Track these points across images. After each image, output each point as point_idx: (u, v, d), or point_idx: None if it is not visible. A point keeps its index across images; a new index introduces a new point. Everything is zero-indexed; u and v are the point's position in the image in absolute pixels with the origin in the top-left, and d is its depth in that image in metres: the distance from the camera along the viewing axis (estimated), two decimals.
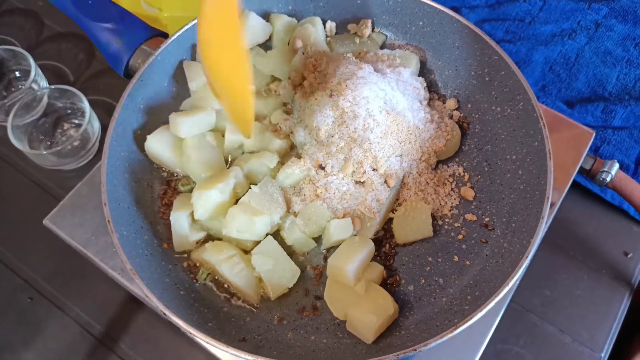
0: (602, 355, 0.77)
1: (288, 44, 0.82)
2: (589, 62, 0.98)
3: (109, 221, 0.61)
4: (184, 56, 0.78)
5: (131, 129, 0.72)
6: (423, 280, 0.68)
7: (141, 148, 0.73)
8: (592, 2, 1.05)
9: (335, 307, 0.66)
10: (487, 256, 0.66)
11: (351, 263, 0.64)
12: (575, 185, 0.86)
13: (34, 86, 0.90)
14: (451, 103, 0.79)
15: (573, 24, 1.02)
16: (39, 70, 0.91)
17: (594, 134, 0.89)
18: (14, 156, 0.91)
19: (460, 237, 0.70)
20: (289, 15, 0.83)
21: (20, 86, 0.93)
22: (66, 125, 0.92)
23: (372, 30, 0.84)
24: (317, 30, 0.81)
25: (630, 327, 0.82)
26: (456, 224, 0.71)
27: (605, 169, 0.75)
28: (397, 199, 0.73)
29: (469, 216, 0.71)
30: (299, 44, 0.79)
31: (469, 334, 0.60)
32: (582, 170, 0.78)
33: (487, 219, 0.70)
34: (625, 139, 0.90)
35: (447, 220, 0.72)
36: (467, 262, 0.67)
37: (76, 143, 0.87)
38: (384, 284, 0.68)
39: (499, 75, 0.72)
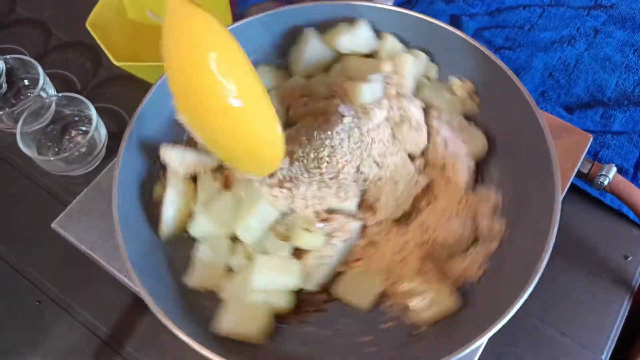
0: (603, 357, 0.78)
1: None
2: (588, 68, 0.99)
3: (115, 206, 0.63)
4: None
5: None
6: None
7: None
8: (591, 9, 1.06)
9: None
10: None
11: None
12: (574, 189, 0.87)
13: (42, 94, 0.92)
14: None
15: (572, 30, 1.04)
16: (47, 79, 0.93)
17: (592, 138, 0.91)
18: (22, 162, 0.93)
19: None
20: None
21: (29, 94, 0.95)
22: (74, 132, 0.94)
23: None
24: None
25: (632, 329, 0.83)
26: None
27: (603, 173, 0.76)
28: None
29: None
30: None
31: None
32: (580, 174, 0.79)
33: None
34: (624, 143, 0.91)
35: None
36: None
37: (83, 149, 0.89)
38: None
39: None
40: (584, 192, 0.88)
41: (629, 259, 0.85)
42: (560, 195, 0.63)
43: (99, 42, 0.90)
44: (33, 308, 0.82)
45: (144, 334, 0.79)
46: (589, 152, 0.90)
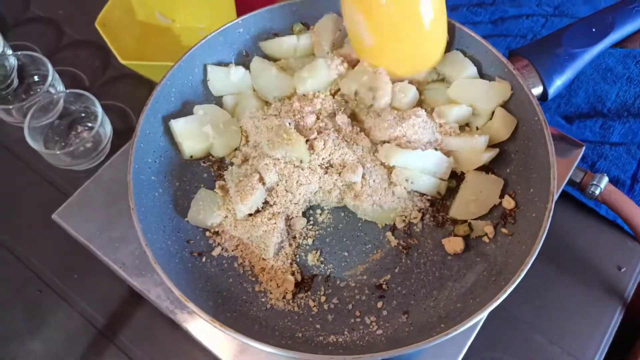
0: None
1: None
2: (589, 79, 0.99)
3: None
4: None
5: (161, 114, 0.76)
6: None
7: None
8: None
9: None
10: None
11: None
12: (570, 198, 0.88)
13: (51, 90, 0.95)
14: None
15: None
16: (57, 75, 0.96)
17: (590, 149, 0.91)
18: (30, 156, 0.95)
19: None
20: None
21: (38, 90, 0.97)
22: (80, 128, 0.96)
23: None
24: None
25: (623, 340, 0.83)
26: None
27: (595, 182, 0.76)
28: None
29: None
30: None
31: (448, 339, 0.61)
32: (572, 183, 0.80)
33: None
34: (622, 154, 0.91)
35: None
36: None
37: (89, 145, 0.91)
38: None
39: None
40: (580, 202, 0.88)
41: (623, 270, 0.85)
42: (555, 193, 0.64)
43: (107, 41, 0.92)
44: (34, 297, 0.85)
45: (138, 326, 0.81)
46: (586, 162, 0.91)
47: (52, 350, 0.81)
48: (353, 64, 0.77)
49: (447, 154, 0.74)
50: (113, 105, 1.01)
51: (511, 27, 1.06)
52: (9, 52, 1.00)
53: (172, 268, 0.63)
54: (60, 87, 0.97)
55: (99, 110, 0.90)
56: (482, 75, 0.77)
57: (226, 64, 0.81)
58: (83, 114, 0.96)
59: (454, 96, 0.75)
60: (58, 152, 0.88)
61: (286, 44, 0.81)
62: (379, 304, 0.67)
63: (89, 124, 0.96)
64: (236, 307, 0.66)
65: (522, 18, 1.06)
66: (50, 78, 0.93)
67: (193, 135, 0.75)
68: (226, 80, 0.80)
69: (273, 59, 0.83)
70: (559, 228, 0.88)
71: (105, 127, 0.92)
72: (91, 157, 0.92)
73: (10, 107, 0.93)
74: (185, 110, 0.79)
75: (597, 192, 0.76)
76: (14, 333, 0.82)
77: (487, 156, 0.73)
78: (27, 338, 0.82)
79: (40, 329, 0.82)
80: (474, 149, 0.73)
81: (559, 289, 0.84)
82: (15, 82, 0.99)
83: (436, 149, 0.73)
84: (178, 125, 0.75)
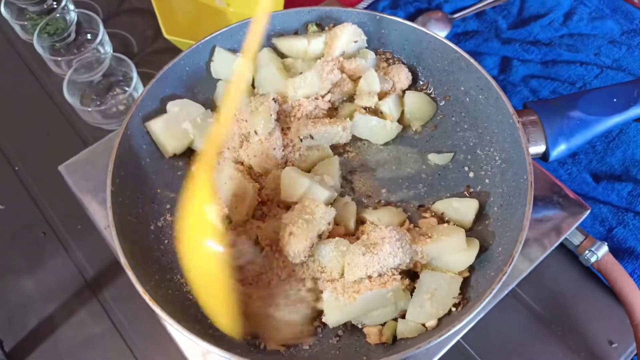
0: None
1: None
2: (630, 140, 0.94)
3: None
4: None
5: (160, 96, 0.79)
6: None
7: None
8: None
9: None
10: None
11: None
12: (577, 260, 0.83)
13: (100, 49, 1.00)
14: None
15: None
16: (107, 37, 1.01)
17: (612, 213, 0.87)
18: (68, 108, 1.00)
19: None
20: None
21: (89, 47, 1.03)
22: (118, 90, 1.01)
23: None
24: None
25: None
26: None
27: (592, 249, 0.72)
28: None
29: None
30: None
31: None
32: (570, 245, 0.76)
33: None
34: None
35: None
36: None
37: (121, 107, 0.96)
38: None
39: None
40: (584, 266, 0.83)
41: (614, 345, 0.80)
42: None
43: (157, 13, 0.96)
44: (38, 237, 0.90)
45: (122, 287, 0.85)
46: (603, 225, 0.86)
47: (41, 291, 0.86)
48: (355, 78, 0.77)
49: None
50: (152, 74, 1.04)
51: (561, 71, 1.01)
52: (71, 6, 1.06)
53: (133, 235, 0.66)
54: (109, 48, 1.03)
55: (134, 75, 0.94)
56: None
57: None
58: (121, 78, 1.01)
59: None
60: (90, 109, 0.93)
61: (297, 46, 0.82)
62: (316, 322, 0.66)
63: (126, 88, 1.01)
64: (181, 287, 0.67)
65: (575, 64, 1.02)
66: (99, 38, 0.99)
67: (173, 134, 0.76)
68: (229, 66, 0.81)
69: (282, 56, 0.84)
70: (557, 286, 0.84)
71: (138, 92, 0.97)
72: (121, 119, 0.97)
73: (60, 59, 0.99)
74: (188, 94, 0.82)
75: (593, 259, 0.72)
76: (13, 267, 0.88)
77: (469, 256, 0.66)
78: (22, 274, 0.87)
79: (36, 269, 0.87)
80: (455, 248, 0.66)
81: (541, 349, 0.80)
82: (72, 36, 1.06)
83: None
84: (157, 126, 0.75)
